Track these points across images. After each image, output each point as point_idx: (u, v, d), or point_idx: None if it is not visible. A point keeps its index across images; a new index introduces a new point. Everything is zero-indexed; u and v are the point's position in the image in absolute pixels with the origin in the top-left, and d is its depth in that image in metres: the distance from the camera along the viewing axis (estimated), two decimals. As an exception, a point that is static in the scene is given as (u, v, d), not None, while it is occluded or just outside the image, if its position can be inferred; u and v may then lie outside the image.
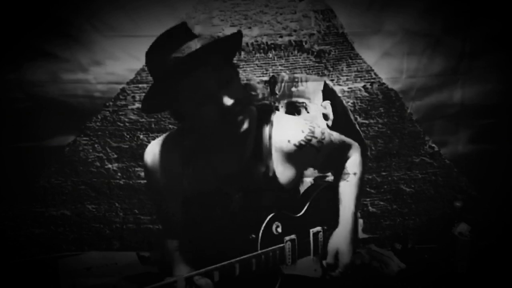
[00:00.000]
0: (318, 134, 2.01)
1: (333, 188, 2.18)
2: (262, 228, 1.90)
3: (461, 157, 3.50)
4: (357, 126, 3.38)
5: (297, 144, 1.96)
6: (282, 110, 3.31)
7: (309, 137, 1.97)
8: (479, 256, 2.96)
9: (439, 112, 3.44)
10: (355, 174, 2.16)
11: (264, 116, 2.00)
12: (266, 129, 1.96)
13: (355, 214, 2.11)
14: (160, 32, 3.18)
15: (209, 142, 1.90)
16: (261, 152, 1.95)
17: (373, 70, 3.38)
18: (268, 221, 1.92)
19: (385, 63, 3.37)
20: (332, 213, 2.11)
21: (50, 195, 3.45)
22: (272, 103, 3.15)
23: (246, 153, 1.95)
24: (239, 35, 1.89)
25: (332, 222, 2.12)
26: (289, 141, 1.95)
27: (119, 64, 3.27)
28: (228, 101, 1.71)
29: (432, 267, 3.04)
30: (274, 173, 1.96)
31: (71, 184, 3.46)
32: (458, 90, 3.39)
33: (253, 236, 1.89)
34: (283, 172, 1.98)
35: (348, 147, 2.19)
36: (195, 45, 1.76)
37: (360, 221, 3.42)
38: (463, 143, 3.48)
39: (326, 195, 2.16)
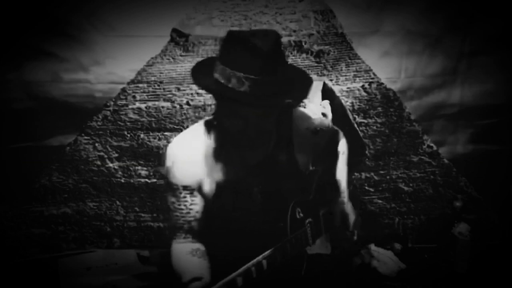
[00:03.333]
0: (326, 122, 2.12)
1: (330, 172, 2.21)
2: (289, 215, 1.92)
3: (460, 157, 3.46)
4: (355, 125, 3.33)
5: (312, 130, 2.01)
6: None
7: (320, 125, 2.05)
8: (479, 256, 2.92)
9: (438, 112, 3.40)
10: (343, 153, 2.19)
11: (284, 108, 2.00)
12: (287, 120, 1.99)
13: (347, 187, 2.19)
14: (160, 32, 3.19)
15: (239, 135, 1.85)
16: (283, 141, 1.98)
17: (372, 70, 3.35)
18: (291, 208, 1.94)
19: (384, 63, 3.33)
20: (333, 193, 2.18)
21: (50, 194, 3.40)
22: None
23: (271, 144, 1.96)
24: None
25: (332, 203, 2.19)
26: (307, 128, 2.01)
27: (120, 64, 3.23)
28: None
29: (432, 267, 3.01)
30: (295, 160, 1.99)
31: (72, 182, 3.42)
32: (457, 90, 3.35)
33: (282, 224, 1.91)
34: (302, 159, 2.01)
35: (336, 132, 2.21)
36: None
37: (359, 219, 3.37)
38: (462, 143, 3.45)
39: (326, 178, 2.17)
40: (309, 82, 1.90)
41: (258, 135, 1.84)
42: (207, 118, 2.03)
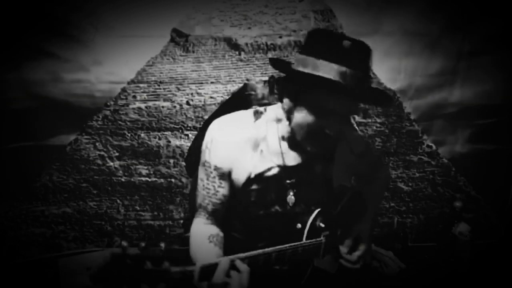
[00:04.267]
0: (372, 149, 2.23)
1: (360, 195, 2.19)
2: (310, 221, 1.93)
3: (459, 156, 3.46)
4: (355, 125, 3.31)
5: (357, 153, 2.05)
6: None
7: (367, 150, 2.12)
8: (479, 256, 2.90)
9: (438, 112, 3.40)
10: (383, 180, 2.28)
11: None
12: (335, 136, 1.91)
13: (376, 212, 2.32)
14: (160, 32, 3.18)
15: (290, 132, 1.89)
16: (326, 155, 1.96)
17: (371, 70, 3.28)
18: (315, 215, 1.94)
19: (383, 63, 3.32)
20: (358, 216, 2.15)
21: (51, 193, 3.38)
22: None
23: (312, 152, 1.90)
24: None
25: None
26: (351, 150, 2.03)
27: (120, 64, 3.22)
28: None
29: (432, 267, 2.99)
30: (331, 176, 2.00)
31: (73, 182, 3.40)
32: (457, 90, 3.35)
33: (299, 226, 1.92)
34: (338, 176, 2.02)
35: (381, 164, 2.34)
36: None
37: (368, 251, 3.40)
38: (461, 142, 3.44)
39: (354, 200, 2.14)
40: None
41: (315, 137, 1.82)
42: (258, 108, 2.02)
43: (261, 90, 3.23)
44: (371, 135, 3.40)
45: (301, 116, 1.77)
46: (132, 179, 3.42)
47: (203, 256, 1.86)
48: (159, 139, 3.32)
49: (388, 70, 3.32)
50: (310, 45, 1.85)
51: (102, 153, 3.38)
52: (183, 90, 3.28)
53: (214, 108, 3.07)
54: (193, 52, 3.24)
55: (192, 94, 3.27)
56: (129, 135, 3.35)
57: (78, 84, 3.22)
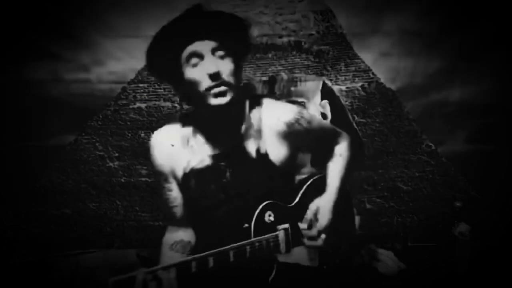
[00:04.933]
0: (306, 115, 1.98)
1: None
2: (255, 216, 1.83)
3: (458, 156, 3.45)
4: (354, 125, 3.30)
5: (286, 122, 1.91)
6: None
7: (297, 117, 1.93)
8: (479, 256, 2.88)
9: (436, 112, 3.40)
10: (341, 155, 2.08)
11: (254, 99, 1.97)
12: (256, 110, 1.93)
13: (340, 188, 2.01)
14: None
15: (205, 123, 1.87)
16: (253, 130, 1.91)
17: (371, 70, 3.36)
18: (260, 209, 1.84)
19: (383, 63, 3.34)
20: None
21: (51, 194, 3.38)
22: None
23: (240, 132, 1.89)
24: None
25: None
26: (278, 119, 1.91)
27: (120, 64, 3.24)
28: (213, 67, 1.70)
29: (432, 267, 2.98)
30: (266, 151, 1.91)
31: (72, 182, 3.40)
32: (456, 90, 3.34)
33: (247, 225, 1.81)
34: (275, 150, 1.92)
35: (338, 134, 2.12)
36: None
37: (357, 218, 3.36)
38: (460, 142, 3.44)
39: (318, 187, 2.02)
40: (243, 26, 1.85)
41: (224, 123, 1.84)
42: (184, 111, 2.04)
43: (261, 90, 3.24)
44: (371, 135, 3.40)
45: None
46: (132, 180, 3.41)
47: (166, 262, 1.90)
48: None
49: (387, 70, 3.33)
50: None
51: (102, 153, 3.38)
52: (183, 90, 3.27)
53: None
54: (193, 52, 3.24)
55: (192, 94, 3.27)
56: (129, 135, 3.36)
57: (78, 84, 3.23)
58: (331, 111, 3.12)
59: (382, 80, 3.35)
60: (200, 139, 1.90)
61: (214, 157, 1.90)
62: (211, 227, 1.90)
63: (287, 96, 3.17)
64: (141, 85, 3.28)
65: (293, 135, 1.93)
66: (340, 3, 3.26)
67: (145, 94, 3.27)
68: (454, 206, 2.97)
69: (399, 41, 3.26)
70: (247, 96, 1.96)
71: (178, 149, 1.91)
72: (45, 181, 3.36)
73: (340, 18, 3.28)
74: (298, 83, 3.21)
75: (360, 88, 3.34)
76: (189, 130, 1.91)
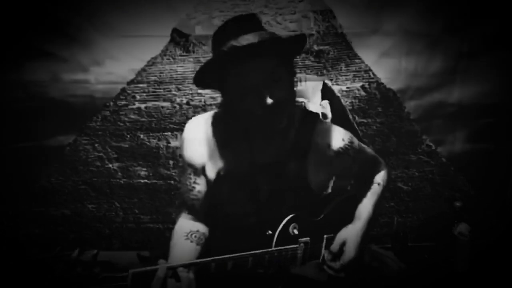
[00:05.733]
0: (356, 145, 2.03)
1: (355, 199, 2.14)
2: (280, 227, 1.87)
3: (458, 156, 3.47)
4: (355, 125, 3.32)
5: (335, 150, 1.95)
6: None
7: (348, 146, 1.98)
8: (479, 256, 2.91)
9: (437, 112, 3.40)
10: (379, 184, 2.14)
11: (309, 119, 1.99)
12: (308, 131, 1.95)
13: (370, 219, 2.06)
14: (160, 32, 3.17)
15: (251, 130, 1.88)
16: (298, 151, 1.93)
17: (371, 70, 3.35)
18: (287, 221, 1.89)
19: (383, 63, 3.34)
20: (349, 222, 2.07)
21: (50, 194, 3.39)
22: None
23: (284, 149, 1.92)
24: (303, 37, 1.86)
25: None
26: (329, 146, 1.94)
27: (119, 64, 3.23)
28: (269, 99, 1.68)
29: (432, 267, 2.99)
30: (306, 174, 1.94)
31: (72, 183, 3.41)
32: (456, 90, 3.36)
33: (270, 232, 1.87)
34: (315, 175, 1.95)
35: (379, 163, 2.20)
36: (253, 38, 1.69)
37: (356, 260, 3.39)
38: (460, 142, 3.45)
39: (346, 205, 2.11)
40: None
41: (269, 136, 1.85)
42: (220, 109, 2.04)
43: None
44: (371, 135, 3.41)
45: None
46: (131, 181, 3.43)
47: (177, 253, 1.90)
48: (159, 140, 3.33)
49: (388, 70, 3.33)
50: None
51: (101, 154, 3.38)
52: (183, 90, 3.28)
53: (215, 108, 3.08)
54: (193, 52, 3.24)
55: (192, 94, 3.28)
56: (128, 136, 3.36)
57: (77, 84, 3.23)
58: (332, 111, 3.14)
59: (382, 80, 3.35)
60: (243, 144, 1.91)
61: (253, 166, 1.91)
62: (233, 230, 1.95)
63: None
64: (140, 85, 3.27)
65: (339, 163, 1.96)
66: (340, 3, 3.26)
67: (144, 95, 3.27)
68: (454, 206, 2.99)
69: (399, 41, 3.27)
70: (299, 110, 1.98)
71: (217, 148, 1.93)
72: (45, 181, 3.37)
73: (340, 18, 3.27)
74: (298, 83, 3.22)
75: (360, 88, 3.35)
76: (232, 131, 1.92)
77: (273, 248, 1.83)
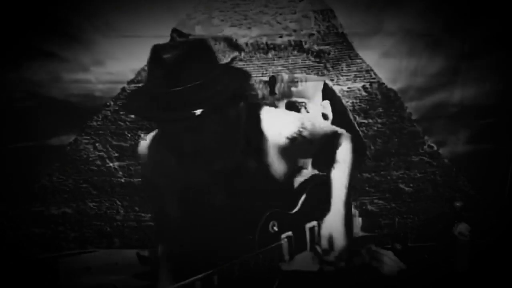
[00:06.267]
0: (308, 125, 1.94)
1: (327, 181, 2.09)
2: (259, 229, 1.85)
3: (460, 157, 3.46)
4: (356, 125, 3.34)
5: (289, 136, 1.87)
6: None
7: (300, 128, 1.90)
8: (479, 256, 2.91)
9: (439, 112, 3.40)
10: (344, 161, 2.07)
11: (253, 111, 1.91)
12: (256, 124, 1.88)
13: (347, 201, 2.02)
14: (160, 32, 3.17)
15: (199, 137, 1.74)
16: (253, 147, 1.87)
17: (372, 70, 3.35)
18: (264, 220, 1.86)
19: (384, 63, 3.33)
20: (325, 207, 2.03)
21: (51, 193, 3.40)
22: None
23: (238, 149, 1.85)
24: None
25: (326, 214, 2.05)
26: (280, 133, 1.87)
27: (120, 64, 3.24)
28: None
29: (432, 267, 2.99)
30: (268, 167, 1.89)
31: (72, 182, 3.42)
32: (458, 90, 3.35)
33: (251, 237, 1.83)
34: (277, 166, 1.90)
35: (338, 136, 2.10)
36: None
37: (359, 219, 3.39)
38: (462, 143, 3.44)
39: (321, 190, 2.06)
40: (247, 76, 1.83)
41: (216, 142, 1.75)
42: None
43: (261, 90, 3.27)
44: (372, 136, 3.41)
45: None
46: (132, 180, 3.42)
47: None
48: None
49: (388, 70, 3.33)
50: None
51: (102, 153, 3.39)
52: (183, 90, 3.28)
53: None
54: (193, 52, 3.25)
55: (192, 94, 3.28)
56: (129, 135, 3.37)
57: (78, 84, 3.23)
58: (332, 111, 3.16)
59: (383, 81, 3.35)
60: (194, 154, 1.80)
61: (210, 174, 1.85)
62: (214, 241, 1.88)
63: (288, 96, 3.20)
64: (140, 85, 3.22)
65: (296, 148, 1.90)
66: (341, 3, 3.26)
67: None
68: (454, 206, 2.99)
69: (400, 41, 3.27)
70: (243, 105, 1.86)
71: (171, 162, 1.85)
72: (46, 180, 3.38)
73: (341, 17, 3.27)
74: (299, 83, 3.23)
75: (361, 89, 3.35)
76: (180, 140, 1.78)
77: (257, 251, 1.81)
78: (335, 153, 2.09)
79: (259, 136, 1.87)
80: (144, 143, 1.95)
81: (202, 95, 1.59)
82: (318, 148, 2.02)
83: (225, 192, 1.88)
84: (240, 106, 1.84)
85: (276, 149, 1.88)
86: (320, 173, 2.16)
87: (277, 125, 1.89)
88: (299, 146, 1.91)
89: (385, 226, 3.49)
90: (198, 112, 1.54)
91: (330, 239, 1.95)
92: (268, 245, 1.85)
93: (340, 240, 1.94)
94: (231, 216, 1.89)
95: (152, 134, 1.97)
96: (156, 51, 1.57)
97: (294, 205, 2.01)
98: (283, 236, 1.91)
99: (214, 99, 1.62)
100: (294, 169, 2.05)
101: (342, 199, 2.01)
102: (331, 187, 2.04)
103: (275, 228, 1.89)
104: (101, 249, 3.39)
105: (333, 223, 1.97)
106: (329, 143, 2.07)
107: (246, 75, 1.87)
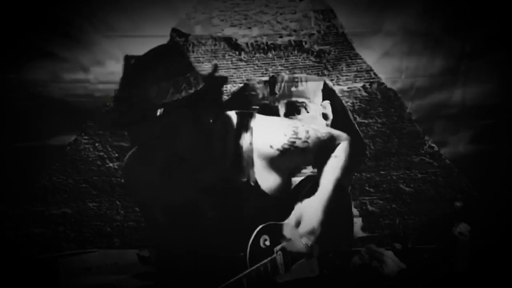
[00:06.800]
0: (302, 134, 1.90)
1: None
2: (249, 244, 1.80)
3: (461, 157, 3.45)
4: (356, 125, 3.34)
5: (280, 148, 1.85)
6: (281, 110, 3.26)
7: (292, 140, 1.86)
8: (479, 256, 2.91)
9: (439, 112, 3.40)
10: (336, 156, 2.02)
11: (243, 122, 1.87)
12: (246, 136, 1.84)
13: (333, 192, 1.96)
14: (160, 32, 3.18)
15: (185, 152, 1.73)
16: (241, 160, 1.83)
17: (372, 70, 3.35)
18: (255, 236, 1.82)
19: (384, 63, 3.33)
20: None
21: (51, 193, 3.40)
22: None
23: (226, 162, 1.83)
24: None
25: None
26: (271, 146, 1.84)
27: (120, 64, 3.12)
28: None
29: (432, 267, 2.99)
30: (256, 182, 1.85)
31: (72, 182, 3.42)
32: (458, 90, 3.35)
33: (242, 254, 1.79)
34: (267, 179, 1.87)
35: (335, 139, 2.05)
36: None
37: (359, 219, 3.39)
38: (463, 143, 3.43)
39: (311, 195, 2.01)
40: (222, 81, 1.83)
41: (195, 153, 1.73)
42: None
43: (261, 90, 3.28)
44: (372, 136, 3.41)
45: None
46: (131, 180, 3.41)
47: None
48: None
49: (389, 70, 3.33)
50: None
51: (102, 153, 3.39)
52: (183, 90, 3.28)
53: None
54: (193, 52, 3.26)
55: (192, 94, 3.28)
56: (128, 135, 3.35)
57: (77, 84, 3.24)
58: (332, 111, 3.16)
59: (383, 81, 3.35)
60: (179, 168, 1.77)
61: (198, 190, 1.82)
62: (206, 259, 1.83)
63: (288, 96, 3.20)
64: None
65: (288, 160, 1.86)
66: (341, 3, 3.26)
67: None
68: (454, 206, 2.99)
69: (401, 41, 3.27)
70: (231, 119, 1.84)
71: (158, 178, 1.81)
72: (46, 180, 3.38)
73: (341, 17, 3.27)
74: (299, 83, 3.23)
75: (361, 89, 3.35)
76: (164, 156, 1.76)
77: (249, 269, 1.77)
78: (329, 153, 2.04)
79: (249, 148, 1.84)
80: (130, 159, 1.95)
81: (164, 96, 1.59)
82: (313, 154, 1.97)
83: (213, 206, 1.86)
84: (228, 115, 1.85)
85: (266, 162, 1.86)
86: (315, 173, 2.12)
87: (268, 137, 1.86)
88: (292, 157, 1.88)
89: (386, 226, 3.49)
90: (159, 112, 1.53)
91: (299, 218, 1.91)
92: (261, 260, 1.81)
93: (310, 219, 1.89)
94: (220, 232, 1.85)
95: (130, 152, 1.96)
96: (126, 59, 1.63)
97: (287, 213, 1.95)
98: (276, 248, 1.87)
99: (178, 101, 1.60)
100: (286, 182, 1.99)
101: (328, 187, 1.96)
102: (320, 178, 2.00)
103: (267, 243, 1.85)
104: (101, 249, 3.38)
105: (308, 205, 1.92)
106: (326, 149, 2.03)
107: (223, 80, 1.87)
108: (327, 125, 3.28)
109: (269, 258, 1.83)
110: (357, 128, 3.34)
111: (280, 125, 1.94)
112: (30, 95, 3.22)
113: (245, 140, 1.83)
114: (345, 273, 2.08)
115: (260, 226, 1.83)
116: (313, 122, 3.14)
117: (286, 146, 1.85)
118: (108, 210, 3.46)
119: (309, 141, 1.92)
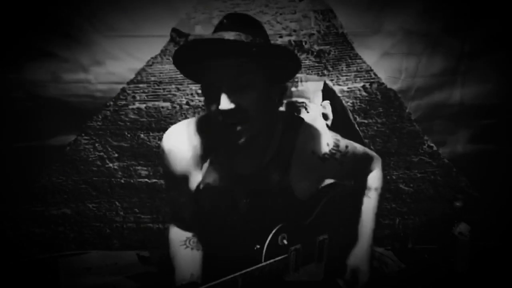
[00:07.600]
0: (342, 147, 1.94)
1: (347, 198, 2.12)
2: (268, 240, 1.83)
3: (460, 157, 3.46)
4: (356, 125, 3.33)
5: (321, 156, 1.88)
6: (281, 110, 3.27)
7: (334, 151, 1.90)
8: (479, 256, 2.91)
9: (438, 112, 3.40)
10: (376, 189, 2.10)
11: (291, 124, 1.91)
12: (291, 138, 1.87)
13: (373, 231, 2.08)
14: (160, 32, 3.19)
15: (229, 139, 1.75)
16: (280, 160, 1.86)
17: (372, 70, 3.35)
18: (274, 232, 1.85)
19: (384, 63, 3.34)
20: (339, 220, 2.07)
21: (50, 194, 3.41)
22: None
23: (265, 159, 1.85)
24: (290, 53, 1.86)
25: (340, 229, 2.08)
26: (313, 152, 1.87)
27: (120, 64, 3.25)
28: (226, 105, 1.61)
29: (432, 267, 3.00)
30: (289, 184, 1.87)
31: (72, 183, 3.43)
32: (458, 90, 3.36)
33: (258, 247, 1.82)
34: (300, 184, 1.90)
35: (370, 159, 2.12)
36: (227, 35, 1.65)
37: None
38: (462, 143, 3.44)
39: (339, 201, 2.08)
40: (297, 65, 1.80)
41: (250, 145, 1.74)
42: (203, 114, 1.96)
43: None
44: (372, 136, 3.42)
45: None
46: (131, 181, 3.44)
47: (181, 263, 1.89)
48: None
49: (388, 70, 3.34)
50: None
51: (102, 154, 3.40)
52: (183, 90, 3.30)
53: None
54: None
55: (192, 94, 3.30)
56: (128, 135, 3.38)
57: (77, 84, 3.24)
58: (332, 112, 3.16)
59: (383, 81, 3.35)
60: (220, 154, 1.83)
61: (232, 178, 1.85)
62: (223, 245, 1.88)
63: (288, 96, 3.20)
64: (140, 85, 3.28)
65: (325, 169, 1.89)
66: (340, 3, 3.27)
67: (144, 95, 3.28)
68: (454, 206, 2.99)
69: (400, 41, 3.28)
70: (282, 118, 1.88)
71: (198, 158, 1.84)
72: (45, 181, 3.39)
73: (341, 17, 3.28)
74: (299, 83, 3.22)
75: (361, 89, 3.36)
76: (209, 140, 1.82)
77: (263, 263, 1.78)
78: (366, 178, 2.11)
79: (290, 151, 1.86)
80: (175, 131, 1.93)
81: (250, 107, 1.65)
82: (348, 170, 2.00)
83: (246, 195, 1.88)
84: (281, 113, 1.90)
85: (304, 167, 1.88)
86: (341, 183, 2.14)
87: (312, 143, 1.89)
88: (329, 167, 1.92)
89: (386, 226, 3.48)
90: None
91: (355, 273, 1.99)
92: (275, 256, 1.83)
93: (365, 274, 1.99)
94: (242, 222, 1.89)
95: (182, 123, 1.95)
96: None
97: (307, 216, 1.99)
98: (291, 249, 1.88)
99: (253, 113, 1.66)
100: (317, 189, 2.02)
101: (370, 230, 2.08)
102: (360, 216, 2.07)
103: (285, 242, 1.87)
104: (100, 250, 3.38)
105: (360, 256, 2.01)
106: (360, 166, 2.09)
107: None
108: (327, 125, 3.27)
109: (283, 256, 1.85)
110: (357, 128, 3.33)
111: (325, 134, 1.96)
112: (30, 95, 3.23)
113: (288, 141, 1.86)
114: (344, 273, 2.07)
115: (280, 225, 1.86)
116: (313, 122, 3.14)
117: (327, 156, 1.89)
118: (108, 211, 3.47)
119: (347, 155, 1.96)
